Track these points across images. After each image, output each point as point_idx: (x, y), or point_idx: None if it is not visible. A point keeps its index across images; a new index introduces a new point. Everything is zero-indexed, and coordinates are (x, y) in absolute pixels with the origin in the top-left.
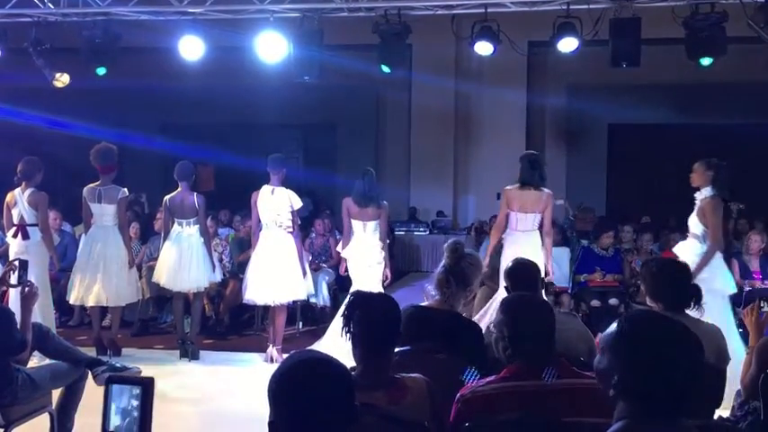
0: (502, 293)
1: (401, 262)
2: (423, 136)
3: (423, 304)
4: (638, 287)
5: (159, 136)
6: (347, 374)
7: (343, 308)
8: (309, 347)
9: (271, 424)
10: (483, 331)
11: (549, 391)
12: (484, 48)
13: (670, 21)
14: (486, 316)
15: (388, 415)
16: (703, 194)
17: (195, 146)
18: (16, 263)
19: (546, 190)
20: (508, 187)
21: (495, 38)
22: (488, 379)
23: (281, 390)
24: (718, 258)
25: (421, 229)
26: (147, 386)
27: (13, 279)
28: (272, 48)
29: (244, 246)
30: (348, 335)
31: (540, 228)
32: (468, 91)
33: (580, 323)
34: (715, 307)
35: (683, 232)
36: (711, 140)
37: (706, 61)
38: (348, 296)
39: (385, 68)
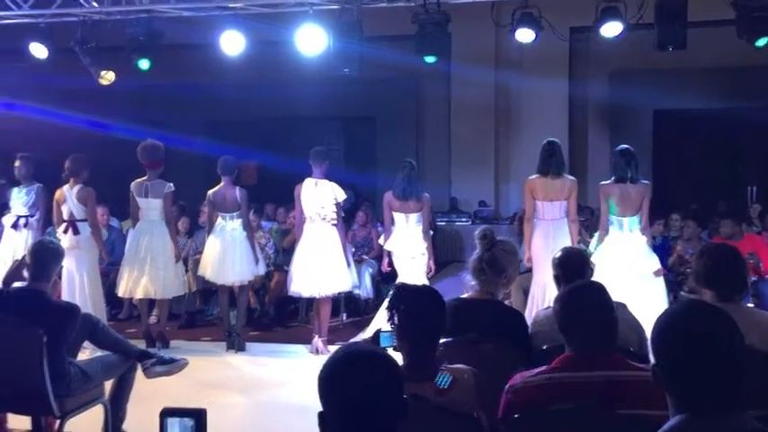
0: (540, 283)
1: (443, 253)
2: (463, 127)
3: (463, 296)
4: (686, 275)
5: (201, 132)
6: (396, 367)
7: (387, 300)
8: (354, 339)
9: (321, 415)
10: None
11: (601, 383)
12: (525, 35)
13: (718, 1)
14: (533, 306)
15: (436, 406)
16: None
17: (237, 141)
18: (27, 258)
19: (569, 177)
20: (531, 177)
21: (537, 24)
22: (538, 369)
23: (330, 381)
24: None
25: (463, 220)
26: (199, 417)
27: (26, 273)
28: (311, 41)
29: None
30: (394, 327)
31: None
32: (509, 80)
33: (629, 313)
34: None
35: (731, 219)
36: (761, 125)
37: (762, 41)
38: (392, 289)
39: (430, 59)
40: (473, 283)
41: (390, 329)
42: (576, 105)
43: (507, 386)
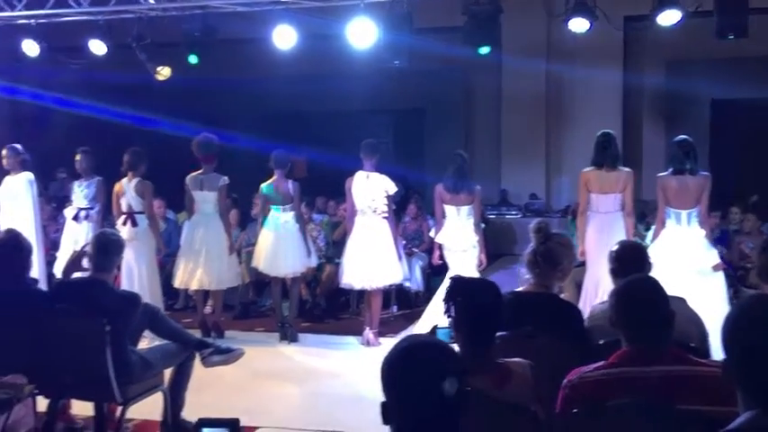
0: (593, 277)
1: (493, 246)
2: (513, 118)
3: (518, 289)
4: (746, 270)
5: (252, 126)
6: (458, 359)
7: (443, 293)
8: (404, 331)
9: (383, 405)
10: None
11: (660, 378)
12: (579, 24)
13: None
14: (586, 300)
15: (493, 399)
16: None
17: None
18: (87, 248)
19: (625, 169)
20: (585, 169)
21: (591, 14)
22: (597, 364)
23: (393, 373)
24: None
25: (513, 213)
26: (234, 427)
27: (86, 263)
28: (362, 34)
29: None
30: (450, 319)
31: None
32: (561, 71)
33: (689, 307)
34: None
35: None
36: None
37: None
38: (448, 281)
39: (483, 50)
40: (528, 276)
41: (447, 325)
42: (630, 96)
43: (565, 381)
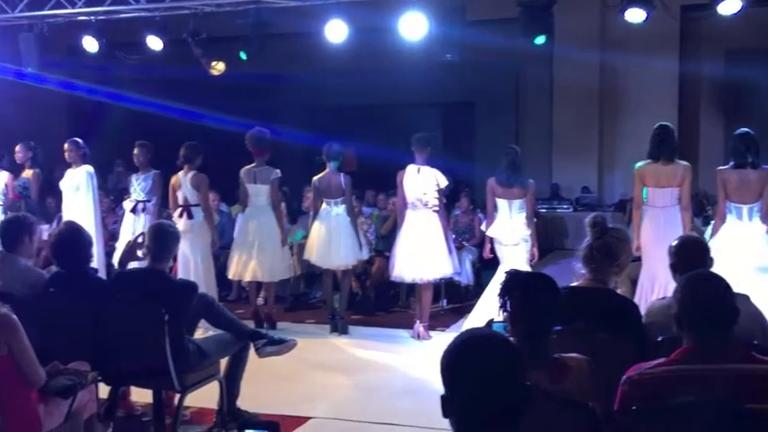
0: (649, 273)
1: (544, 240)
2: (565, 111)
3: (573, 284)
4: None
5: (303, 120)
6: (518, 353)
7: (495, 287)
8: (454, 325)
9: (443, 398)
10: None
11: (723, 376)
12: (635, 15)
13: None
14: (642, 296)
15: (551, 395)
16: None
17: (337, 128)
18: (140, 239)
19: (682, 162)
20: (640, 163)
21: (648, 3)
22: (658, 361)
23: (453, 365)
24: None
25: (564, 206)
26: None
27: (140, 253)
28: (413, 27)
29: (392, 222)
30: (506, 314)
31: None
32: (614, 62)
33: (753, 304)
34: None
35: None
36: None
37: None
38: (504, 275)
39: (539, 40)
40: (583, 271)
41: (502, 319)
42: (686, 87)
43: (624, 377)
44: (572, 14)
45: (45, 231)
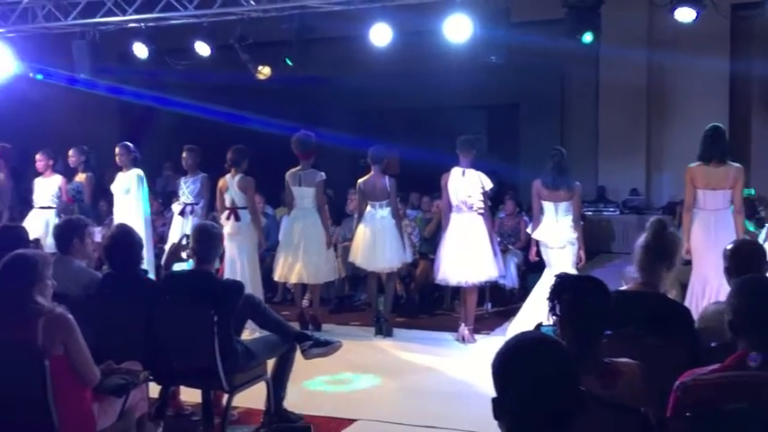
0: (700, 277)
1: (590, 243)
2: (612, 112)
3: (622, 288)
4: None
5: (347, 123)
6: (570, 357)
7: (542, 290)
8: (499, 328)
9: (494, 400)
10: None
11: None
12: (685, 14)
13: None
14: (693, 300)
15: (603, 400)
16: None
17: (381, 131)
18: (184, 240)
19: (735, 164)
20: (691, 165)
21: (698, 2)
22: (712, 367)
23: (505, 368)
24: None
25: (610, 209)
26: None
27: (184, 254)
28: (458, 29)
29: (435, 225)
30: (555, 318)
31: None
32: (663, 62)
33: None
34: None
35: None
36: None
37: None
38: (554, 279)
39: (587, 37)
40: (636, 275)
41: (552, 323)
42: (737, 87)
43: (677, 383)
44: (619, 14)
45: (97, 233)
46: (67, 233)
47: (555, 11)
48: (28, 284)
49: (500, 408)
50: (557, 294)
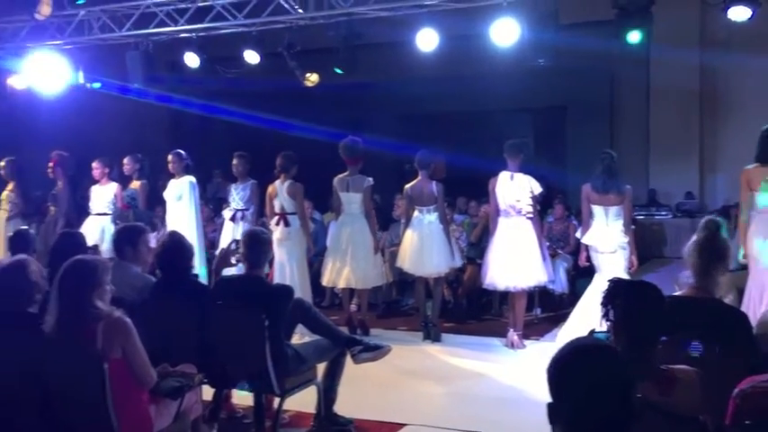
0: (758, 281)
1: (641, 247)
2: (663, 114)
3: (677, 293)
4: None
5: (393, 128)
6: (626, 365)
7: (594, 295)
8: (548, 334)
9: (549, 405)
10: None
11: None
12: (739, 13)
13: None
14: (750, 306)
15: (660, 407)
16: None
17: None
18: (233, 246)
19: None
20: (747, 166)
21: (754, 1)
22: None
23: (562, 374)
24: None
25: (663, 213)
26: None
27: (233, 260)
28: (505, 33)
29: (481, 230)
30: (609, 324)
31: None
32: (716, 62)
33: None
34: None
35: None
36: None
37: None
38: (607, 284)
39: (634, 36)
40: (690, 280)
41: (605, 329)
42: None
43: (736, 391)
44: (670, 14)
45: (153, 239)
46: (126, 239)
47: (604, 12)
48: (88, 289)
49: (555, 413)
50: (610, 299)
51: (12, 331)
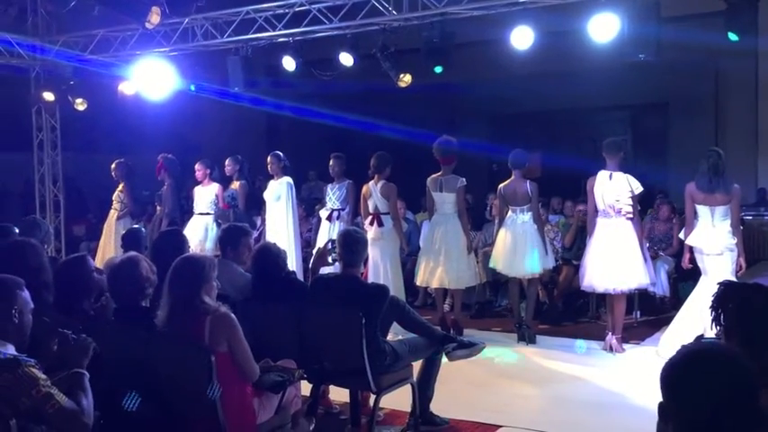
0: None
1: (748, 249)
2: None
3: None
4: None
5: (486, 127)
6: (750, 372)
7: (700, 299)
8: (649, 338)
9: (661, 406)
10: None
11: None
12: None
13: None
14: None
15: None
16: None
17: (521, 135)
18: (330, 245)
19: None
20: None
21: None
22: None
23: (673, 377)
24: None
25: None
26: None
27: (330, 259)
28: (604, 28)
29: (575, 232)
30: (718, 329)
31: None
32: None
33: None
34: None
35: None
36: None
37: None
38: (716, 287)
39: (732, 37)
40: None
41: (714, 334)
42: None
43: None
44: None
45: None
46: (231, 238)
47: (708, 4)
48: (197, 285)
49: (667, 416)
50: (721, 303)
51: (126, 325)
